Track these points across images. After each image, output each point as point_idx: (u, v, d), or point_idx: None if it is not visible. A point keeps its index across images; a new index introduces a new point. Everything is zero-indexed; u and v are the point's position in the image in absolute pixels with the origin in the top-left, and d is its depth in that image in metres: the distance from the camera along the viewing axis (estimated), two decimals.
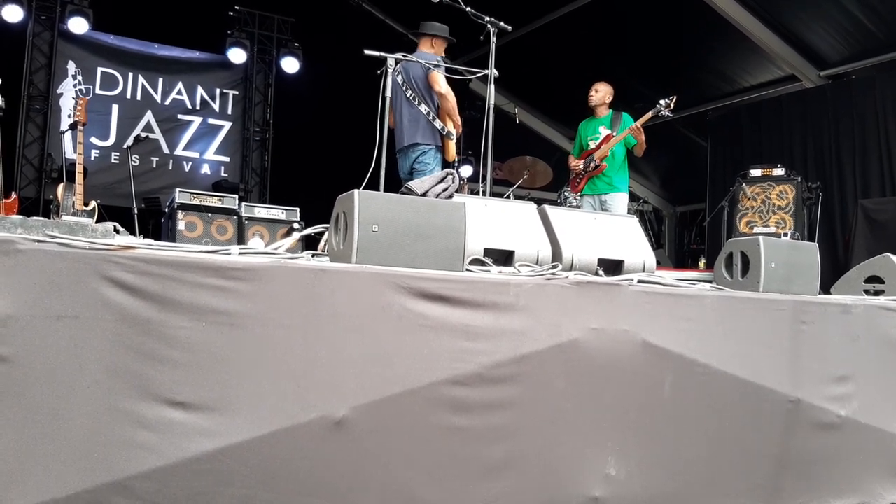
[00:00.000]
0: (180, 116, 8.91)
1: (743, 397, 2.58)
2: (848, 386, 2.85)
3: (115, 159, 8.39)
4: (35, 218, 1.69)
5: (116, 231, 1.80)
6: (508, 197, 7.07)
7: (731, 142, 8.77)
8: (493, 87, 4.42)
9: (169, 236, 5.89)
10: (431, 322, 1.98)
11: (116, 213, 5.65)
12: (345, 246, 2.08)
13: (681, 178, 10.50)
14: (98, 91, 8.36)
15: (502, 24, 4.44)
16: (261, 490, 1.74)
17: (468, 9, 4.36)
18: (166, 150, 8.81)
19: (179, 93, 8.91)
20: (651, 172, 10.78)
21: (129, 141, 7.47)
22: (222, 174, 9.11)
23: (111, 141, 8.43)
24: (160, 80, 8.76)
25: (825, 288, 3.27)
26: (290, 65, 9.11)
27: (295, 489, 1.79)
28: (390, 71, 4.38)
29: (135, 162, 7.26)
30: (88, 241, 1.64)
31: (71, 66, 8.23)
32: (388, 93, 4.39)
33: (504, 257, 2.61)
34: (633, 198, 8.41)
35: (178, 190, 6.04)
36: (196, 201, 5.97)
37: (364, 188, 2.12)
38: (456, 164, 5.42)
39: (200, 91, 9.05)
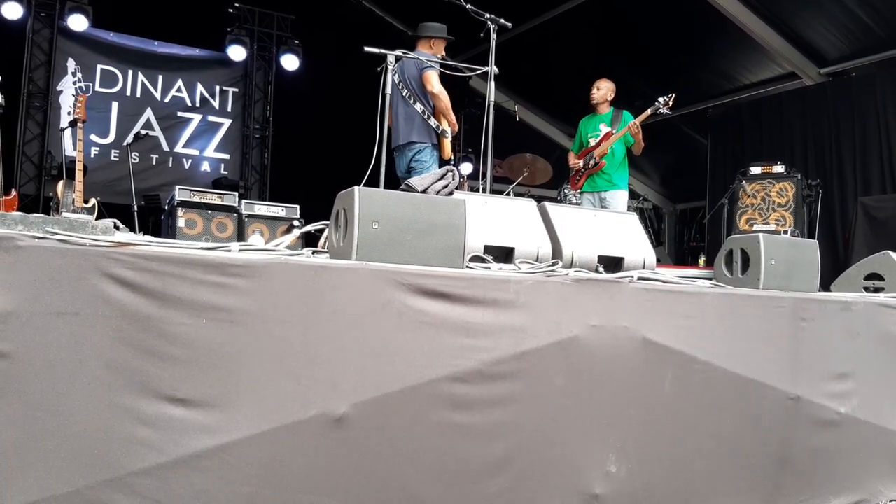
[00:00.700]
0: (180, 114, 8.90)
1: (743, 394, 2.58)
2: (848, 383, 2.86)
3: (114, 156, 8.38)
4: (35, 215, 1.68)
5: (116, 228, 1.80)
6: (508, 194, 7.07)
7: (732, 139, 8.78)
8: (493, 84, 4.41)
9: (169, 233, 5.88)
10: (432, 319, 1.98)
11: (116, 211, 5.63)
12: (345, 243, 2.08)
13: (681, 176, 10.51)
14: (98, 88, 8.35)
15: (502, 20, 4.43)
16: (261, 487, 1.74)
17: (468, 6, 4.36)
18: (166, 148, 8.81)
19: (179, 90, 8.90)
20: (651, 170, 10.78)
21: (129, 138, 7.46)
22: (222, 171, 9.11)
23: (111, 138, 8.42)
24: (160, 78, 8.75)
25: (825, 285, 3.27)
26: (290, 62, 9.10)
27: (295, 486, 1.79)
28: (390, 68, 4.38)
29: (134, 159, 7.26)
30: (88, 238, 1.64)
31: (70, 64, 8.22)
32: (388, 90, 4.39)
33: (504, 254, 2.61)
34: (633, 195, 8.41)
35: (177, 187, 6.03)
36: (196, 198, 5.96)
37: (364, 185, 2.12)
38: (454, 162, 5.42)
39: (200, 88, 9.04)
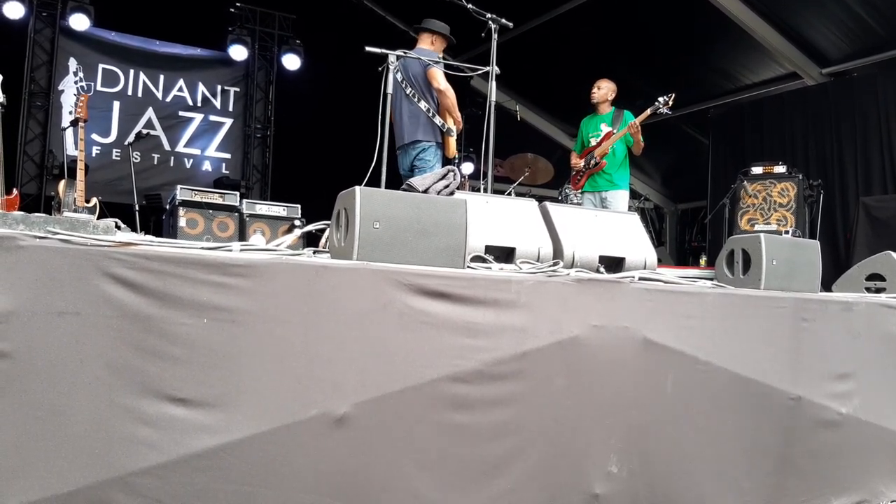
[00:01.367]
0: (181, 113, 8.91)
1: (744, 395, 2.58)
2: (849, 383, 2.85)
3: (116, 156, 8.39)
4: (36, 214, 1.68)
5: (118, 227, 1.80)
6: (510, 194, 7.06)
7: (733, 139, 8.77)
8: (494, 84, 4.41)
9: (170, 233, 5.88)
10: (433, 319, 1.98)
11: (117, 210, 5.63)
12: (346, 243, 2.08)
13: (682, 176, 10.50)
14: (99, 88, 8.35)
15: (504, 20, 4.43)
16: (262, 487, 1.74)
17: (469, 5, 4.36)
18: (167, 147, 8.81)
19: (180, 90, 8.90)
20: (652, 170, 10.78)
21: (131, 138, 7.44)
22: (223, 171, 9.11)
23: (112, 138, 8.43)
24: (161, 77, 8.76)
25: (826, 285, 3.27)
26: (292, 62, 9.11)
27: (296, 486, 1.79)
28: (391, 68, 4.38)
29: (136, 159, 7.25)
30: (90, 238, 1.64)
31: (72, 63, 8.23)
32: (390, 89, 4.39)
33: (505, 254, 2.61)
34: (634, 195, 8.41)
35: (179, 187, 6.03)
36: (197, 198, 5.96)
37: (365, 185, 2.12)
38: (457, 161, 5.42)
39: (202, 88, 9.04)
